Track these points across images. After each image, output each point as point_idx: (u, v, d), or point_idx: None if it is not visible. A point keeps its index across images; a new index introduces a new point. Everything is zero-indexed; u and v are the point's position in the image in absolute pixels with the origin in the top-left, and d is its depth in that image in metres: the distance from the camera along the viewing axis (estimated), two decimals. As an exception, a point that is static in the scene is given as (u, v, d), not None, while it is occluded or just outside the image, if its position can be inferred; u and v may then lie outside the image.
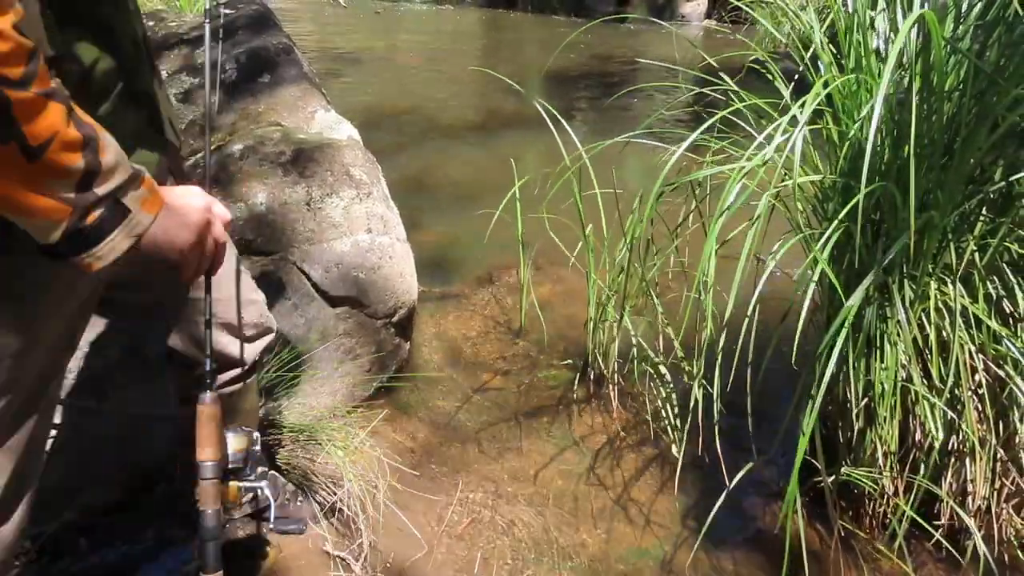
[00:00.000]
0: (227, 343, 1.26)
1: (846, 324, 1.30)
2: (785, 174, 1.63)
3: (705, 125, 1.72)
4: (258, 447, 1.19)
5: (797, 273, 1.51)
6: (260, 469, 1.21)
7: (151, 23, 2.96)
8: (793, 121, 1.48)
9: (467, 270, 2.83)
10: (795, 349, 1.46)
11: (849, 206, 1.47)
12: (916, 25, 1.45)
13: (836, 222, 1.48)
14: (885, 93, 1.54)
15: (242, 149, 2.09)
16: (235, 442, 1.13)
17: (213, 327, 1.12)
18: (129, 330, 1.56)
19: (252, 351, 1.32)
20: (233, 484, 1.13)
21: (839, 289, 1.48)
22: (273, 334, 1.38)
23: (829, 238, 1.46)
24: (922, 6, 1.54)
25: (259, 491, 1.17)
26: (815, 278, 1.42)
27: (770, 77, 1.84)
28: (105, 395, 1.59)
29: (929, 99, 1.48)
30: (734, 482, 1.52)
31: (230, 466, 1.12)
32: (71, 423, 1.54)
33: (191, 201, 0.91)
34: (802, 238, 1.69)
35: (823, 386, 1.32)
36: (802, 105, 1.45)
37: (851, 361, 1.62)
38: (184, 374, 1.24)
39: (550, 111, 2.17)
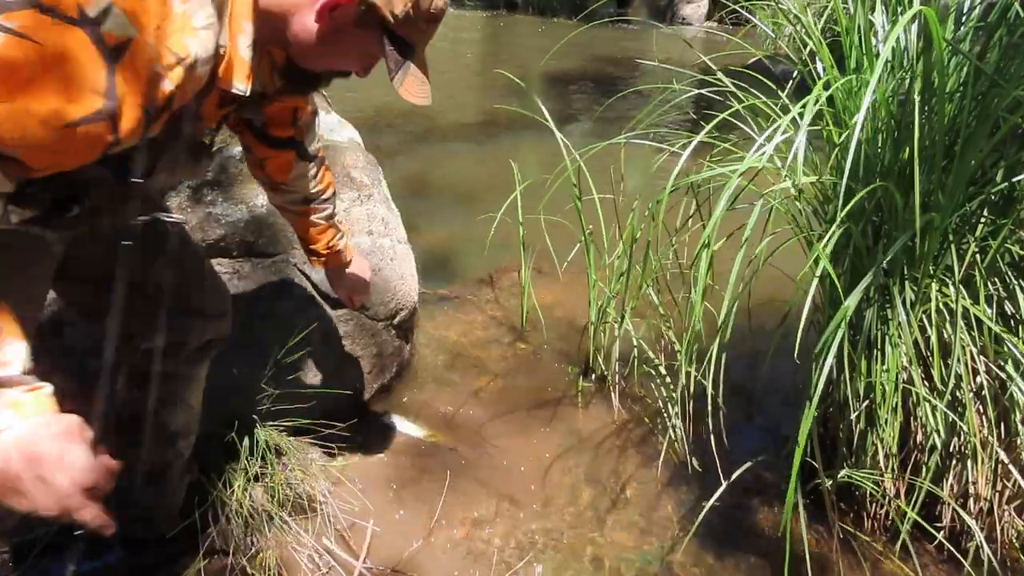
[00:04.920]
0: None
1: (842, 325, 1.30)
2: (785, 176, 1.63)
3: (707, 128, 1.72)
4: None
5: (800, 274, 1.51)
6: None
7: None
8: (793, 122, 1.48)
9: (468, 272, 2.83)
10: (796, 347, 1.46)
11: (848, 207, 1.47)
12: (916, 26, 1.45)
13: (833, 224, 1.48)
14: (885, 94, 1.54)
15: (243, 151, 2.09)
16: None
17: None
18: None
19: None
20: None
21: (840, 291, 1.48)
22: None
23: (830, 240, 1.46)
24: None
25: None
26: (816, 279, 1.42)
27: (768, 81, 1.84)
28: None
29: (930, 100, 1.48)
30: (730, 480, 1.52)
31: None
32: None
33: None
34: (801, 240, 1.69)
35: (819, 387, 1.32)
36: (803, 107, 1.45)
37: (847, 362, 1.62)
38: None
39: (547, 115, 2.18)
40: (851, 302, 1.35)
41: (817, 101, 1.46)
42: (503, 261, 2.80)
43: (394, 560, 1.59)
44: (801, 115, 1.43)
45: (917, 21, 1.49)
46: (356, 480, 1.76)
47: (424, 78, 1.10)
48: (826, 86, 1.56)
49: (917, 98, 1.44)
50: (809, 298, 1.39)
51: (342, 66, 1.11)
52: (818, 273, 1.39)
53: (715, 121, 1.69)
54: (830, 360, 1.30)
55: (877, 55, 1.61)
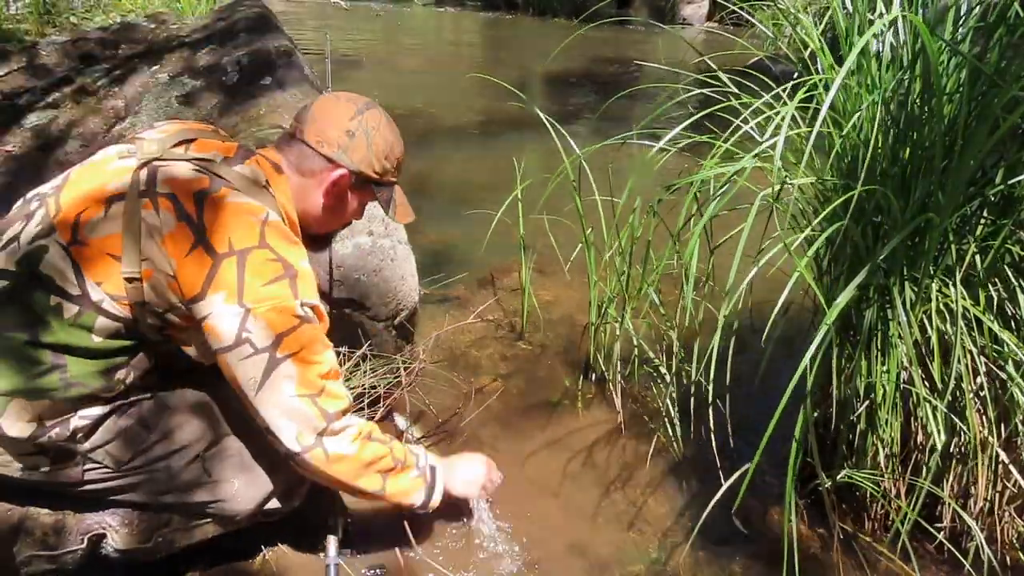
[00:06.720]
0: None
1: (828, 322, 1.30)
2: (786, 175, 1.63)
3: (687, 122, 1.73)
4: None
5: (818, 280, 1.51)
6: None
7: (152, 25, 2.97)
8: (794, 121, 1.48)
9: (468, 272, 2.83)
10: (764, 337, 1.45)
11: (828, 211, 1.47)
12: (913, 28, 1.45)
13: (827, 227, 1.49)
14: (880, 95, 1.54)
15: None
16: None
17: None
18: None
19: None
20: None
21: (819, 294, 1.48)
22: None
23: (816, 240, 1.47)
24: (922, 8, 1.54)
25: None
26: (794, 279, 1.42)
27: (768, 80, 1.84)
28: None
29: (929, 101, 1.47)
30: (729, 482, 1.52)
31: None
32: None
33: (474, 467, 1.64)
34: (795, 239, 1.69)
35: (795, 382, 1.31)
36: (796, 104, 1.45)
37: (847, 362, 1.62)
38: None
39: (548, 115, 2.18)
40: (842, 300, 1.35)
41: (813, 99, 1.46)
42: (503, 261, 2.80)
43: (395, 562, 1.59)
44: (794, 114, 1.44)
45: (907, 21, 1.49)
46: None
47: (405, 201, 1.51)
48: (814, 87, 1.57)
49: (916, 99, 1.43)
50: (783, 296, 1.39)
51: (346, 219, 1.51)
52: (794, 278, 1.39)
53: (692, 119, 1.70)
54: (810, 355, 1.29)
55: (876, 55, 1.61)
